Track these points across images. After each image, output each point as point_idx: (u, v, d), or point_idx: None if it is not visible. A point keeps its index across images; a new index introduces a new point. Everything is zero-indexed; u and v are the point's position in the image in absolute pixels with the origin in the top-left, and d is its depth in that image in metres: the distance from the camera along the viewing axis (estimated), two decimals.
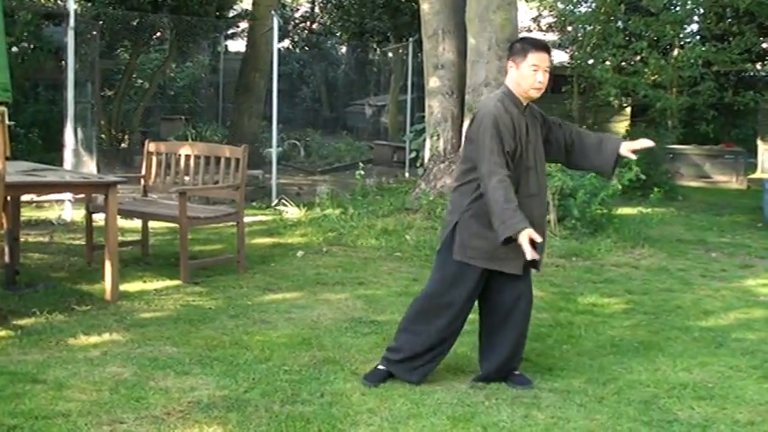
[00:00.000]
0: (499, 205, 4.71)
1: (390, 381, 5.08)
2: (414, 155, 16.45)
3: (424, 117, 12.91)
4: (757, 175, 18.96)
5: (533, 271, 5.16)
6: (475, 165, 4.94)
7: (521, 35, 11.73)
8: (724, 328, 6.57)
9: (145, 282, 7.50)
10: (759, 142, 20.38)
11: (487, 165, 4.80)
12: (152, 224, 8.98)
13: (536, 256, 4.75)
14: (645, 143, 5.32)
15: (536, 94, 5.03)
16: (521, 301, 5.09)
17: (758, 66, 20.18)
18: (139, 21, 15.97)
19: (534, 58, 4.95)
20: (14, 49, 14.32)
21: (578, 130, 5.48)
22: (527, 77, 4.98)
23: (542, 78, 4.97)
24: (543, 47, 5.06)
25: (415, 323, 5.14)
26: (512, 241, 4.68)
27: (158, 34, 18.35)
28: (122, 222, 9.06)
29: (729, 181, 17.74)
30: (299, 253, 9.06)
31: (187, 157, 8.53)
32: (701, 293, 7.81)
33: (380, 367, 5.19)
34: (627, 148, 5.28)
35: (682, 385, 5.17)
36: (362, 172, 12.40)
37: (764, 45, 19.92)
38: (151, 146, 8.80)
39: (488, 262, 4.95)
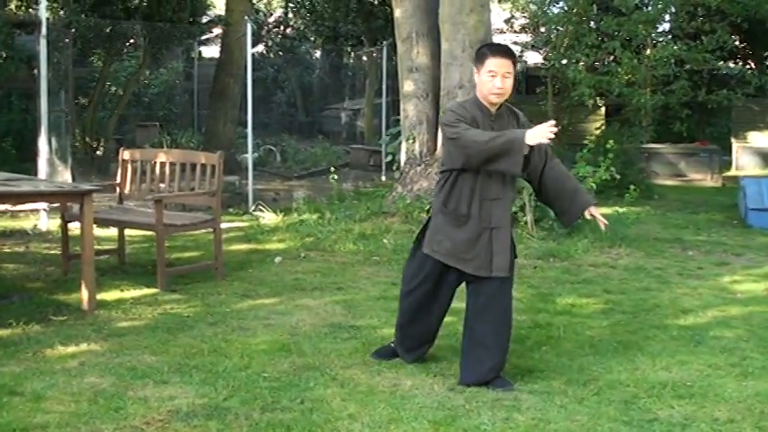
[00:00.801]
0: (484, 143, 4.91)
1: (369, 385, 5.08)
2: (390, 158, 16.41)
3: (399, 120, 12.91)
4: (732, 172, 19.07)
5: (501, 274, 5.15)
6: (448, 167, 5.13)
7: (493, 37, 11.76)
8: (702, 326, 6.59)
9: (122, 290, 7.46)
10: (733, 140, 20.52)
11: (453, 141, 5.06)
12: (128, 232, 8.94)
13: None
14: (602, 222, 5.43)
15: (495, 100, 5.13)
16: (493, 307, 5.15)
17: (730, 64, 20.27)
18: (112, 28, 15.88)
19: (491, 63, 5.06)
20: None
21: (563, 170, 5.45)
22: (485, 83, 5.10)
23: (500, 84, 5.06)
24: (502, 52, 5.14)
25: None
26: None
27: (131, 41, 18.26)
28: (98, 231, 8.97)
29: (704, 179, 17.84)
30: (277, 259, 9.04)
31: (162, 164, 8.50)
32: (678, 292, 7.84)
33: (391, 344, 5.66)
34: (592, 212, 5.36)
35: (661, 384, 5.19)
36: (336, 176, 12.38)
37: (736, 43, 20.05)
38: (126, 153, 8.76)
39: (448, 258, 5.17)
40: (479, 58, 5.16)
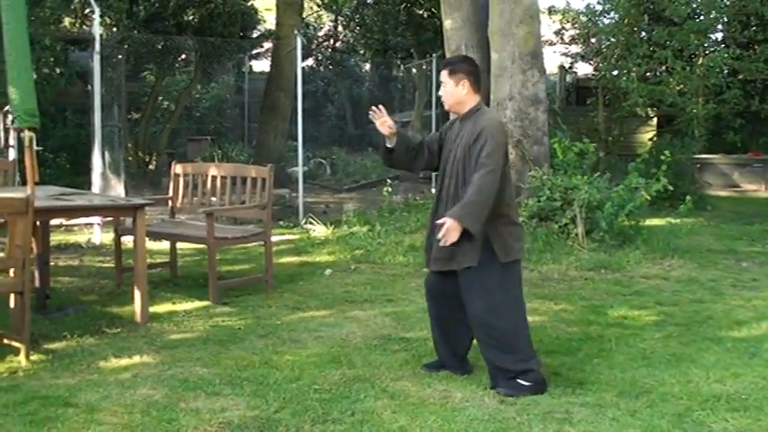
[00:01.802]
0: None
1: (420, 397, 5.07)
2: None
3: None
4: None
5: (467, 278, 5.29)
6: None
7: (543, 48, 11.72)
8: (757, 339, 6.50)
9: (174, 303, 7.53)
10: None
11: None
12: (180, 245, 9.01)
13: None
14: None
15: (446, 107, 5.57)
16: (466, 304, 5.31)
17: None
18: (164, 44, 16.11)
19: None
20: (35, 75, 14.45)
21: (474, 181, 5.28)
22: None
23: (441, 92, 5.52)
24: (443, 65, 5.62)
25: None
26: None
27: (183, 56, 18.50)
28: (151, 244, 9.10)
29: (758, 189, 17.61)
30: (327, 271, 9.06)
31: (214, 177, 8.56)
32: (732, 304, 7.73)
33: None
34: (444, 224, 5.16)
35: (715, 397, 5.12)
36: (390, 188, 12.41)
37: None
38: (178, 167, 8.85)
39: (521, 251, 5.45)
40: None
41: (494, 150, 5.13)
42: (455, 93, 5.41)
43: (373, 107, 5.61)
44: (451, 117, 5.66)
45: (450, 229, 4.99)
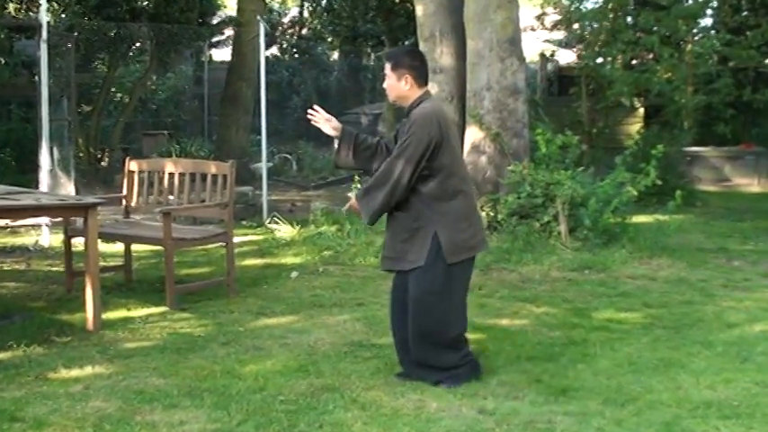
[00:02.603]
0: None
1: (393, 408, 5.08)
2: None
3: None
4: None
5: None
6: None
7: (523, 34, 11.74)
8: (749, 342, 6.55)
9: (129, 309, 7.50)
10: None
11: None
12: (135, 247, 8.98)
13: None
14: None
15: (389, 100, 5.90)
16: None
17: None
18: (117, 31, 16.00)
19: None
20: None
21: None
22: None
23: (385, 85, 5.71)
24: (386, 57, 5.82)
25: None
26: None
27: (137, 44, 18.39)
28: (103, 246, 9.05)
29: (751, 184, 17.69)
30: (294, 274, 9.06)
31: (171, 174, 8.54)
32: (723, 305, 7.79)
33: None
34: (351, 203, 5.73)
35: (705, 404, 5.16)
36: (359, 185, 12.40)
37: None
38: (132, 164, 8.81)
39: (473, 249, 5.61)
40: None
41: (411, 142, 5.35)
42: (397, 87, 5.62)
43: (309, 110, 5.83)
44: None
45: (352, 207, 5.62)
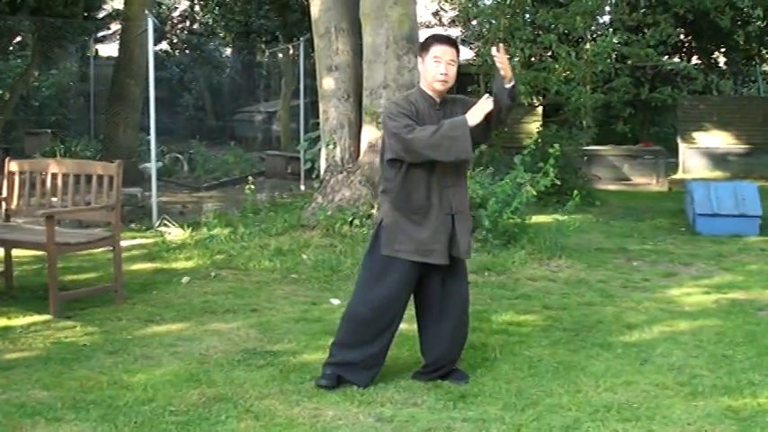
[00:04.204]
0: (428, 138, 5.31)
1: (288, 417, 5.06)
2: (308, 166, 16.37)
3: (318, 124, 12.88)
4: (679, 175, 19.43)
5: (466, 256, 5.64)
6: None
7: (420, 31, 11.80)
8: (648, 343, 6.69)
9: (9, 318, 7.34)
10: (679, 140, 20.86)
11: (395, 136, 5.41)
12: (16, 252, 8.78)
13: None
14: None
15: (440, 87, 5.57)
16: (454, 295, 5.63)
17: (675, 59, 20.61)
18: None
19: (436, 50, 5.53)
20: None
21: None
22: (429, 69, 5.55)
23: (444, 70, 5.52)
24: (446, 40, 5.63)
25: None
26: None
27: (18, 38, 18.03)
28: None
29: (650, 183, 18.06)
30: (185, 279, 8.96)
31: (54, 175, 8.38)
32: (622, 306, 7.94)
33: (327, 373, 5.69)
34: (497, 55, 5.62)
35: (605, 407, 5.25)
36: (253, 186, 12.33)
37: (681, 36, 20.39)
38: (13, 164, 8.62)
39: (413, 255, 5.48)
40: (424, 47, 5.63)
41: None
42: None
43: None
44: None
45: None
